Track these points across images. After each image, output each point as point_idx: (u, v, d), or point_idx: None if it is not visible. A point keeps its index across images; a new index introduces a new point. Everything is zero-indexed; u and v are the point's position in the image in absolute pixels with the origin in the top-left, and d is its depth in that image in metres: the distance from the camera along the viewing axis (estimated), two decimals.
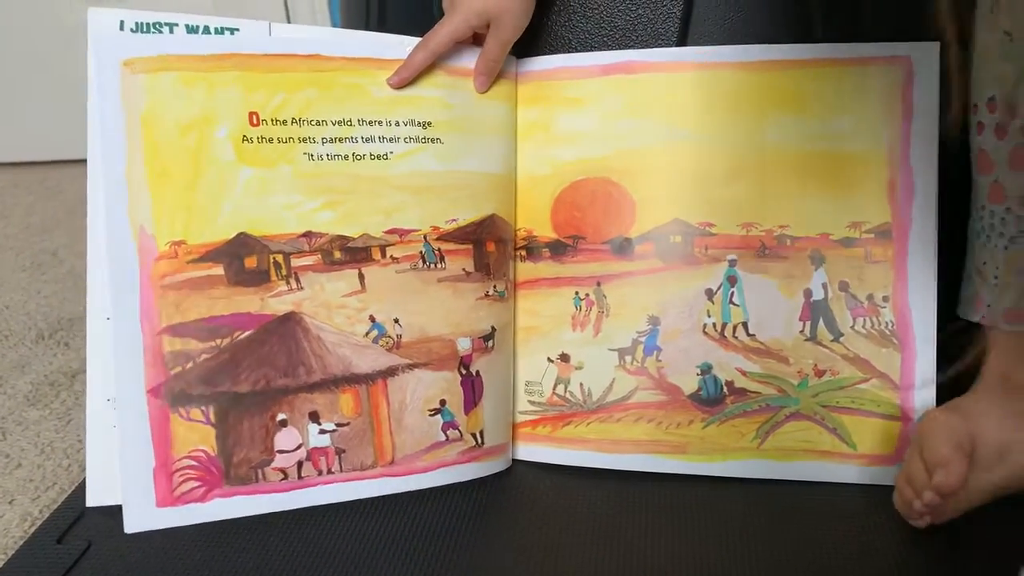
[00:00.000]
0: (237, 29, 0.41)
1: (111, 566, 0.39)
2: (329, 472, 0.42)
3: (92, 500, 0.41)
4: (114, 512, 0.41)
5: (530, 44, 0.46)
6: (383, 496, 0.43)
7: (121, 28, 0.39)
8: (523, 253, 0.48)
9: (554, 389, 0.48)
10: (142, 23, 0.39)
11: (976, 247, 0.42)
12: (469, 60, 0.45)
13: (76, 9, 1.42)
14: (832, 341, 0.45)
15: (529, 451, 0.47)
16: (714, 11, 0.46)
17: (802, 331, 0.46)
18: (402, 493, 0.43)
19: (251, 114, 0.41)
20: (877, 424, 0.45)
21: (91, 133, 0.39)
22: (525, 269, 0.48)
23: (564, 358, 0.48)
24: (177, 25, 0.39)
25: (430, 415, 0.44)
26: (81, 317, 0.94)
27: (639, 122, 0.46)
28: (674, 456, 0.46)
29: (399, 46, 0.43)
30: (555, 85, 0.47)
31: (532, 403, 0.48)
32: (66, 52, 1.40)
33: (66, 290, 1.02)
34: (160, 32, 0.39)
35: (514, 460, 0.48)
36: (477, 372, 0.45)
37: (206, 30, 0.40)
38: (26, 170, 1.49)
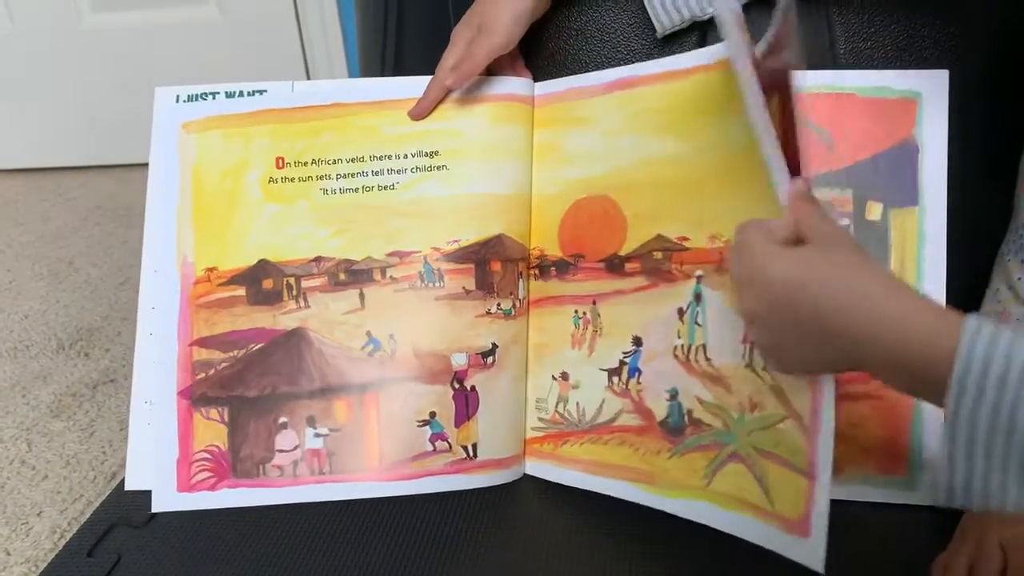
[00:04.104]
0: (265, 91, 0.57)
1: None
2: (321, 472, 0.55)
3: (129, 485, 0.56)
4: (142, 526, 0.52)
5: (549, 68, 0.57)
6: (378, 499, 0.54)
7: (177, 100, 0.58)
8: (536, 272, 0.57)
9: (556, 407, 0.55)
10: (192, 95, 0.58)
11: (1010, 265, 0.49)
12: (479, 89, 0.56)
13: (91, 17, 1.60)
14: (763, 368, 0.45)
15: (535, 467, 0.56)
16: None
17: (744, 355, 0.46)
18: (396, 498, 0.54)
19: (277, 159, 0.57)
20: (790, 478, 0.42)
21: (151, 182, 0.57)
22: (537, 287, 0.57)
23: (564, 376, 0.55)
24: (218, 93, 0.58)
25: (419, 426, 0.55)
26: (100, 327, 1.10)
27: (634, 137, 0.52)
28: (643, 486, 0.50)
29: (409, 87, 0.57)
30: (565, 106, 0.56)
31: (540, 420, 0.56)
32: (79, 59, 1.61)
33: (83, 299, 1.19)
34: (205, 100, 0.55)
35: (526, 475, 0.56)
36: (472, 387, 0.55)
37: (240, 94, 0.57)
38: (39, 176, 1.70)
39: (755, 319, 0.38)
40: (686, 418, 0.49)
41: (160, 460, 0.55)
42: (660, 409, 0.50)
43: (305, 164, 0.57)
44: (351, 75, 1.53)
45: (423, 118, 0.56)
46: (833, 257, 0.36)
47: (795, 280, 0.35)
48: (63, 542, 0.59)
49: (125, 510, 0.54)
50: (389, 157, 0.56)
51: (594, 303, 0.54)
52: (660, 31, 0.53)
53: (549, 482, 0.55)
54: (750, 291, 0.38)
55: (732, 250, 0.39)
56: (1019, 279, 0.49)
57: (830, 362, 0.37)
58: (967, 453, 0.31)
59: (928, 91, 0.49)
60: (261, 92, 0.57)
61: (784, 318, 0.36)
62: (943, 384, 0.32)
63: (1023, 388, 0.30)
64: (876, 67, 0.52)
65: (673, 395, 0.50)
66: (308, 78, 1.57)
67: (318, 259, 0.56)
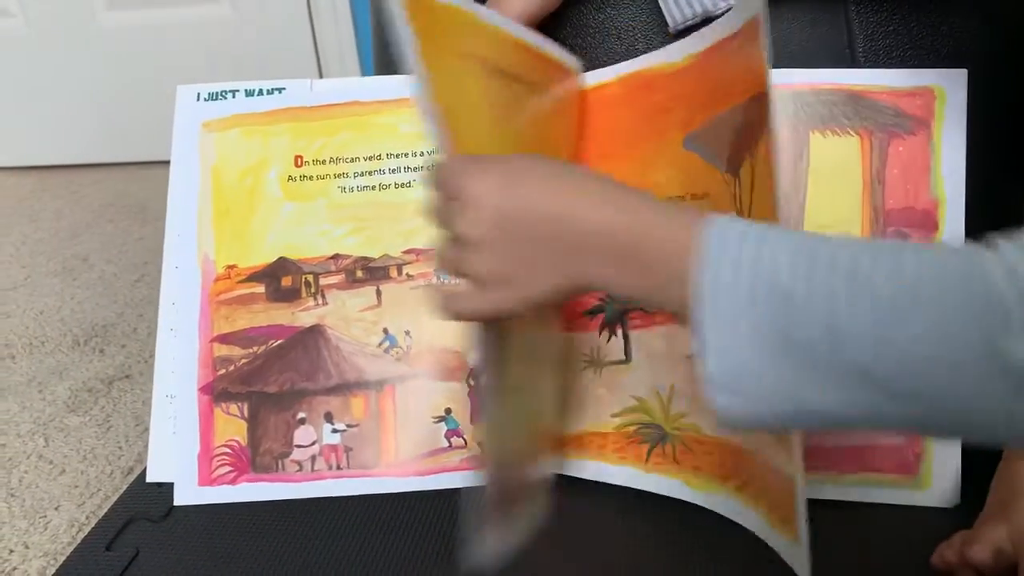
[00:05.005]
0: (284, 88, 0.59)
1: (159, 574, 0.50)
2: (338, 468, 0.57)
3: (151, 477, 0.58)
4: (160, 520, 0.54)
5: None
6: (394, 494, 0.56)
7: (197, 99, 0.59)
8: None
9: None
10: (212, 92, 0.60)
11: None
12: None
13: (104, 15, 1.63)
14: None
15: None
16: None
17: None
18: (412, 493, 0.56)
19: (296, 157, 0.59)
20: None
21: (172, 179, 0.59)
22: None
23: None
24: (238, 91, 0.60)
25: (434, 422, 0.57)
26: (115, 323, 1.13)
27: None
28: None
29: None
30: None
31: None
32: (93, 57, 1.64)
33: (98, 296, 1.22)
34: (225, 98, 0.57)
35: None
36: None
37: (260, 92, 0.59)
38: (52, 174, 1.74)
39: (470, 248, 0.35)
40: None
41: (182, 454, 0.56)
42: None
43: (323, 162, 0.59)
44: (364, 73, 1.55)
45: None
46: (543, 160, 0.35)
47: (510, 184, 0.33)
48: (81, 536, 0.61)
49: (143, 504, 0.56)
50: (406, 155, 0.58)
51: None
52: (672, 26, 0.55)
53: (562, 476, 0.56)
54: (461, 217, 0.34)
55: (430, 184, 0.36)
56: None
57: (563, 272, 0.34)
58: (714, 324, 0.29)
59: (948, 87, 0.50)
60: (280, 90, 0.59)
61: (507, 229, 0.34)
62: (681, 269, 0.30)
63: (763, 245, 0.29)
64: (894, 65, 0.54)
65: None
66: (320, 76, 1.59)
67: (336, 256, 0.58)
